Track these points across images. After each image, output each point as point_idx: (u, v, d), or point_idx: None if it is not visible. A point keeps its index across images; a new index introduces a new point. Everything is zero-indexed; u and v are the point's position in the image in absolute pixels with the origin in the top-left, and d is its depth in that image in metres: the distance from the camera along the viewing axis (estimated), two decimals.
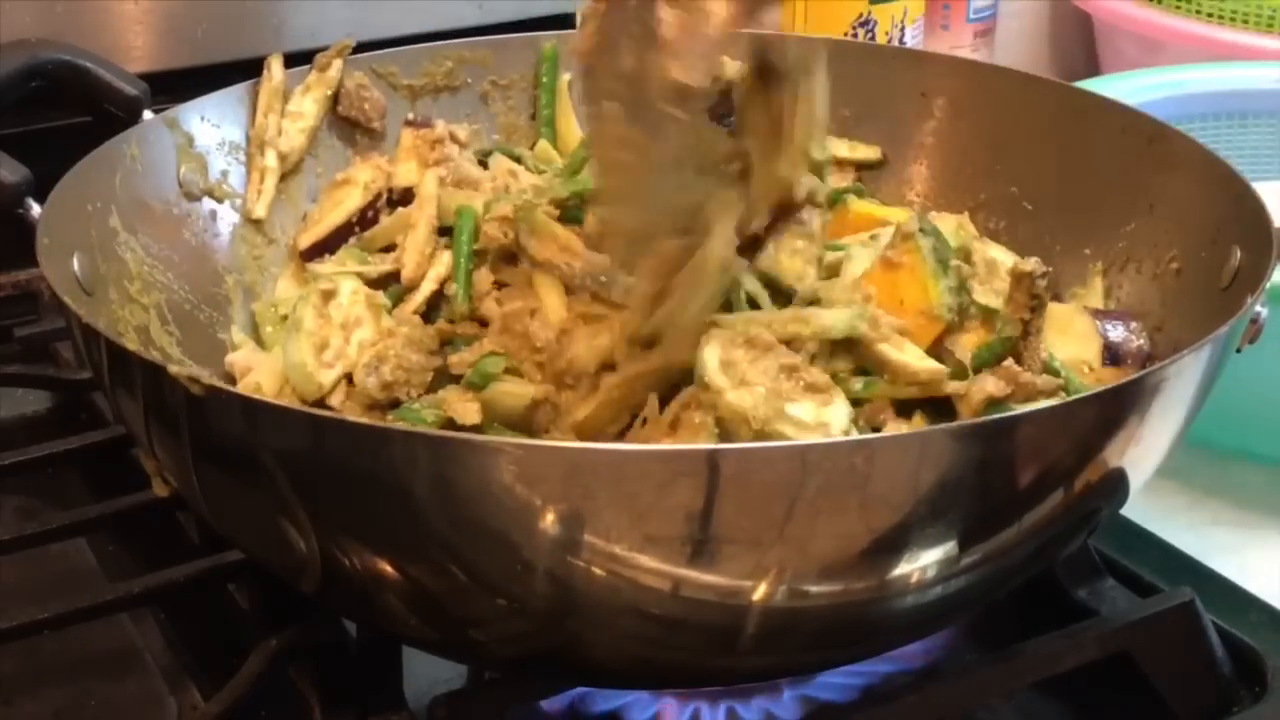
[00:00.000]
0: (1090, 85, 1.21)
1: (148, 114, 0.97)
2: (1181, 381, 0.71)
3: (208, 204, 0.98)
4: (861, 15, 1.41)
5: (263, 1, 1.21)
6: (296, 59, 1.05)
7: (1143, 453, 0.72)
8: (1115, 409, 0.68)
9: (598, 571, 0.64)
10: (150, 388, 0.71)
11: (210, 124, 0.99)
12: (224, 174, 0.99)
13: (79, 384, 1.06)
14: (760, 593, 0.65)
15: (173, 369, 0.67)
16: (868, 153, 1.05)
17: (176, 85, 1.08)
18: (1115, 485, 0.72)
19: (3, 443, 0.99)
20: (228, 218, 0.99)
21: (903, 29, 1.43)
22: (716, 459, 0.62)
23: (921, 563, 0.67)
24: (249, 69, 1.03)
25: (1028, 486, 0.67)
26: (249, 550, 0.81)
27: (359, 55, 1.06)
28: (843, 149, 1.05)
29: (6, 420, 1.09)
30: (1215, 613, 0.84)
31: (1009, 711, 0.83)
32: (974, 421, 0.65)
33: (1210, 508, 1.00)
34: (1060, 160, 0.98)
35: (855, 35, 1.41)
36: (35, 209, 0.85)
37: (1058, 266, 0.92)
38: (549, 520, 0.63)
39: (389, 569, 0.68)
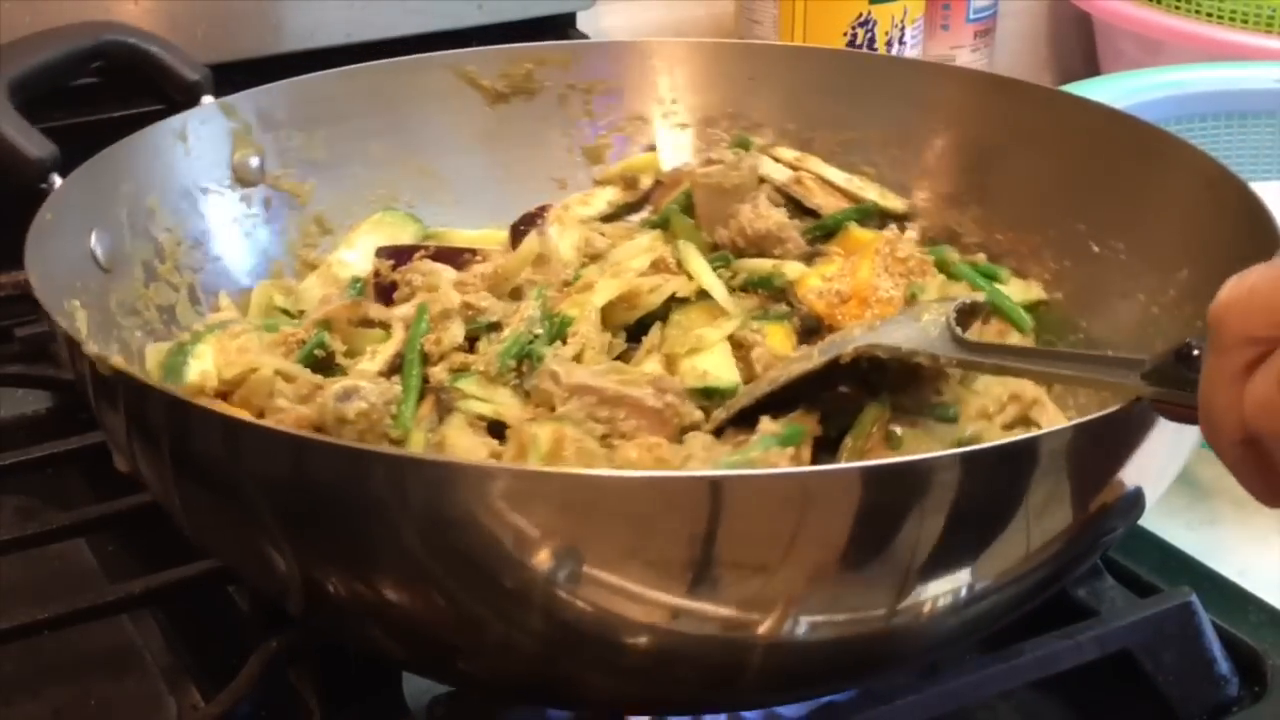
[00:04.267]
0: (1090, 85, 1.21)
1: (206, 99, 0.97)
2: None
3: (262, 191, 0.99)
4: (861, 15, 1.41)
5: (263, 1, 1.21)
6: (296, 59, 1.05)
7: (1160, 469, 0.71)
8: (1134, 428, 0.67)
9: (592, 601, 0.62)
10: (131, 401, 0.70)
11: (267, 112, 0.99)
12: (281, 162, 0.99)
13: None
14: (767, 626, 0.64)
15: (88, 348, 0.66)
16: (896, 204, 1.05)
17: None
18: (1132, 504, 0.71)
19: (3, 443, 0.99)
20: (283, 205, 0.99)
21: (903, 29, 1.43)
22: (719, 485, 0.60)
23: (933, 591, 0.66)
24: (249, 69, 1.04)
25: (1045, 510, 0.66)
26: (233, 570, 0.80)
27: (436, 54, 1.05)
28: (873, 193, 1.04)
29: (6, 420, 1.08)
30: (1215, 612, 0.84)
31: (1009, 711, 0.84)
32: (989, 445, 0.64)
33: (1210, 508, 1.00)
34: (1060, 166, 0.98)
35: (855, 35, 1.40)
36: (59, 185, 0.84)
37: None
38: (542, 548, 0.61)
39: (373, 594, 0.66)
